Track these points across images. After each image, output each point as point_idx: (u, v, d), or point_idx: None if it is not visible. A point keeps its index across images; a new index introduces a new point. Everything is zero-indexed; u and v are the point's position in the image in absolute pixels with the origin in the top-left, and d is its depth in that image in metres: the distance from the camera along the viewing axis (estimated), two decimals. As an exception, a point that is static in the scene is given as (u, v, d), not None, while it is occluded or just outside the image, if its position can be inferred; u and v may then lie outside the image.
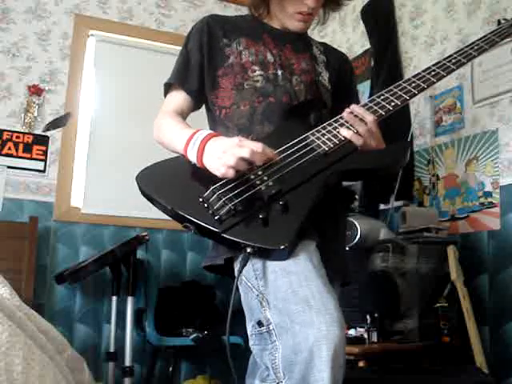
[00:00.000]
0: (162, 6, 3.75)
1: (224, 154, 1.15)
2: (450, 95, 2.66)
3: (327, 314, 1.07)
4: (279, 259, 1.13)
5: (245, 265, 1.12)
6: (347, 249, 2.45)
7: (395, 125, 2.75)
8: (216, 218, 1.11)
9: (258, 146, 1.15)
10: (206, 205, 1.13)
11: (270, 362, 1.13)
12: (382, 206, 2.90)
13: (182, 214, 1.13)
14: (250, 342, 1.20)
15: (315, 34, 3.77)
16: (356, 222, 2.47)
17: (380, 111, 1.30)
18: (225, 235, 1.10)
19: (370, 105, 1.31)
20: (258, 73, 1.39)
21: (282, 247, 1.08)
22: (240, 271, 1.12)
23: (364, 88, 3.21)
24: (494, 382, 2.04)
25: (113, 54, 3.59)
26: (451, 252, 2.27)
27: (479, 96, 2.49)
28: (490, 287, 2.33)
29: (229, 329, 1.14)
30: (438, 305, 2.25)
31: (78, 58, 3.47)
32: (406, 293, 2.28)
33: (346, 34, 3.57)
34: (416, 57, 2.90)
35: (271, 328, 1.14)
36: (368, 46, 3.23)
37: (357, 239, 2.44)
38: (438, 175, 2.69)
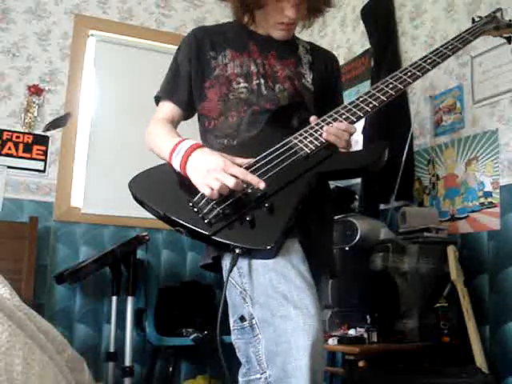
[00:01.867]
0: (162, 6, 3.75)
1: (208, 175, 1.19)
2: (450, 95, 2.66)
3: (303, 307, 1.14)
4: (266, 258, 1.20)
5: (234, 265, 1.18)
6: (347, 249, 2.48)
7: (395, 125, 2.77)
8: (206, 221, 1.16)
9: (241, 174, 1.18)
10: (195, 209, 1.19)
11: (253, 354, 1.21)
12: (382, 206, 2.90)
13: (173, 218, 1.19)
14: (233, 337, 1.28)
15: (315, 34, 3.77)
16: (356, 222, 2.47)
17: (359, 113, 1.34)
18: (214, 238, 1.15)
19: (350, 107, 1.36)
20: (242, 85, 1.45)
21: (269, 247, 1.14)
22: (230, 271, 1.18)
23: (364, 88, 3.21)
24: (494, 382, 2.04)
25: (113, 54, 3.59)
26: (451, 252, 2.27)
27: (479, 96, 2.49)
28: (490, 287, 2.33)
29: (220, 327, 1.19)
30: (438, 305, 2.25)
31: (78, 58, 3.47)
32: (406, 293, 2.29)
33: (346, 34, 3.57)
34: (416, 57, 2.89)
35: (254, 322, 1.21)
36: (368, 45, 3.23)
37: (357, 239, 2.45)
38: (438, 175, 2.69)
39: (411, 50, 2.95)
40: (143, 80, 3.50)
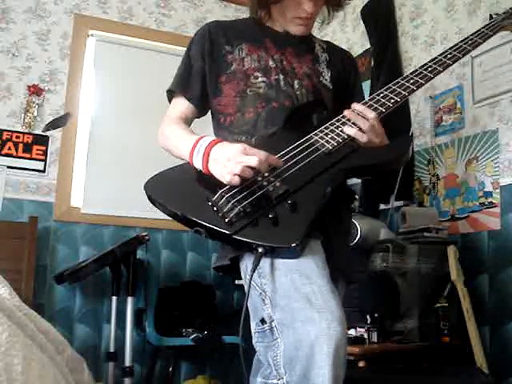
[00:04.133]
0: (162, 6, 3.75)
1: (229, 162, 1.16)
2: (450, 95, 2.66)
3: (328, 311, 1.08)
4: (290, 257, 1.15)
5: (257, 265, 1.13)
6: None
7: (395, 125, 2.76)
8: (226, 220, 1.12)
9: (262, 154, 1.16)
10: (215, 208, 1.15)
11: (271, 358, 1.15)
12: (382, 206, 2.90)
13: (192, 218, 1.15)
14: (254, 340, 1.22)
15: (315, 34, 3.75)
16: (356, 222, 2.46)
17: (380, 108, 1.31)
18: (236, 237, 1.11)
19: (370, 103, 1.33)
20: (260, 79, 1.41)
21: (293, 245, 1.09)
22: (253, 271, 1.13)
23: (364, 88, 3.21)
24: (494, 381, 2.04)
25: (113, 54, 3.58)
26: (451, 252, 2.26)
27: (479, 96, 2.49)
28: (490, 287, 2.33)
29: (241, 331, 1.14)
30: (438, 305, 2.25)
31: (78, 58, 3.47)
32: (405, 293, 2.28)
33: (345, 34, 3.57)
34: (416, 57, 2.90)
35: (273, 325, 1.15)
36: (368, 45, 3.23)
37: (357, 239, 2.44)
38: (438, 175, 2.69)
39: (411, 50, 2.95)
40: (143, 80, 3.51)
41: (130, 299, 2.84)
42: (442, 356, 2.22)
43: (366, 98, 1.38)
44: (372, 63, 3.11)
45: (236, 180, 1.14)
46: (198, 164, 1.24)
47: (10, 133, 3.22)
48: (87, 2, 3.54)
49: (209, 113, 1.53)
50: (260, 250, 1.10)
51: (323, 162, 1.23)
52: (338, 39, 3.60)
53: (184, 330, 3.00)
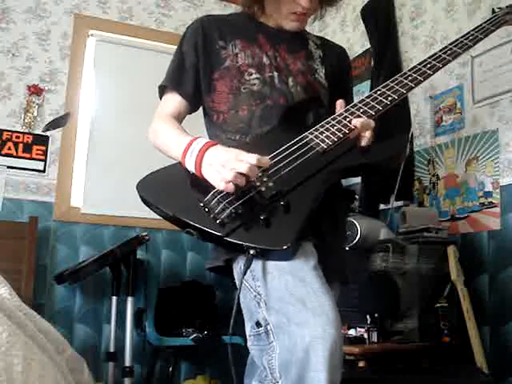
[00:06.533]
0: (162, 6, 3.75)
1: (223, 169, 1.13)
2: (450, 95, 2.66)
3: (323, 314, 1.07)
4: (282, 259, 1.14)
5: (249, 267, 1.11)
6: (347, 249, 2.47)
7: (395, 125, 2.76)
8: (218, 221, 1.11)
9: (253, 158, 1.13)
10: (207, 209, 1.13)
11: (266, 362, 1.14)
12: (382, 206, 2.90)
13: (183, 219, 1.13)
14: (249, 343, 1.21)
15: (315, 33, 3.76)
16: (356, 222, 2.47)
17: (377, 106, 1.28)
18: (228, 238, 1.09)
19: (367, 100, 1.31)
20: (254, 76, 1.38)
21: (285, 247, 1.08)
22: (244, 273, 1.12)
23: (364, 88, 3.21)
24: (494, 382, 2.04)
25: (113, 54, 3.58)
26: (451, 252, 2.27)
27: (479, 96, 2.49)
28: (490, 287, 2.33)
29: (231, 330, 1.13)
30: (438, 305, 2.25)
31: (78, 58, 3.47)
32: (405, 293, 2.28)
33: (346, 34, 3.57)
34: (416, 57, 2.89)
35: (269, 328, 1.14)
36: (368, 45, 3.23)
37: (357, 239, 2.44)
38: (438, 175, 2.69)
39: (411, 50, 2.95)
40: (143, 80, 3.50)
41: (129, 299, 2.84)
42: (442, 356, 2.22)
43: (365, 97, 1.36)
44: (372, 63, 3.11)
45: (231, 187, 1.12)
46: (190, 166, 1.21)
47: (9, 133, 3.22)
48: (87, 2, 3.53)
49: (200, 110, 1.50)
50: (252, 251, 1.09)
51: (318, 162, 1.21)
52: (338, 39, 3.59)
53: (184, 330, 3.00)
